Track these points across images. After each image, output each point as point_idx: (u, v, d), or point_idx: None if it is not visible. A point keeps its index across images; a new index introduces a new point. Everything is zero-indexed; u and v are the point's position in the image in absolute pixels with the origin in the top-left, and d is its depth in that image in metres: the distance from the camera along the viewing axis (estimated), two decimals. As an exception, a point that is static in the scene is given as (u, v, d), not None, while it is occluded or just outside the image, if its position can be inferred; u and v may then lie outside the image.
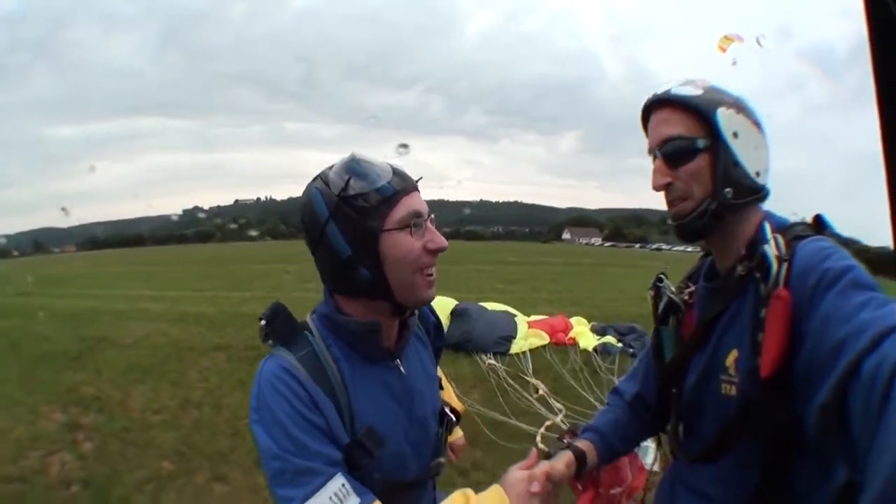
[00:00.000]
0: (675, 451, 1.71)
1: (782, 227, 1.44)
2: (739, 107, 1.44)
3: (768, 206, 1.54)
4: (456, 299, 11.05)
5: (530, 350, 9.34)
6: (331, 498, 1.26)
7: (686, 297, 1.68)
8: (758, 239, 1.40)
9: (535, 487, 1.38)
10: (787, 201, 1.53)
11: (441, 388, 1.89)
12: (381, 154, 1.47)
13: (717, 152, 1.42)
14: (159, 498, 4.94)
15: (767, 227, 1.40)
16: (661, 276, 1.79)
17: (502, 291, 19.21)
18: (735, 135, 1.41)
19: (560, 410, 6.54)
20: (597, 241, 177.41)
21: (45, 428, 6.61)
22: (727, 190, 1.42)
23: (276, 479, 1.29)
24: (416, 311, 1.67)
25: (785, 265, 1.29)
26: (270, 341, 1.47)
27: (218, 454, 5.74)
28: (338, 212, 1.36)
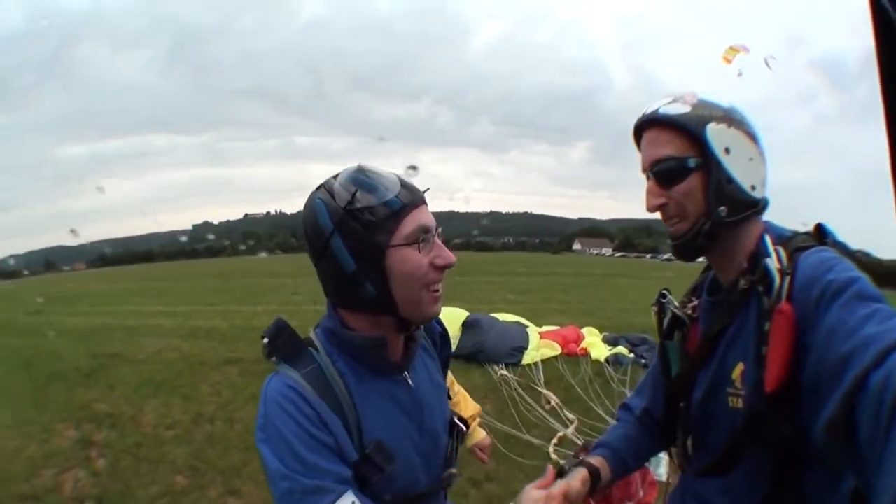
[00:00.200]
0: (684, 465, 1.71)
1: (783, 239, 1.44)
2: (731, 119, 1.42)
3: (775, 216, 1.53)
4: (467, 310, 11.03)
5: (542, 361, 9.30)
6: None
7: (690, 312, 1.67)
8: (759, 252, 1.40)
9: None
10: (797, 212, 1.51)
11: (450, 398, 1.87)
12: (390, 167, 1.44)
13: (710, 170, 1.41)
14: (172, 513, 4.90)
15: (768, 240, 1.40)
16: (665, 291, 1.77)
17: (513, 302, 19.14)
18: (727, 150, 1.40)
19: (572, 422, 6.52)
20: (607, 251, 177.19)
21: (59, 445, 6.60)
22: (721, 208, 1.41)
23: (284, 499, 1.28)
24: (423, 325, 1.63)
25: (787, 278, 1.29)
26: (274, 358, 1.44)
27: (231, 468, 5.73)
28: (343, 225, 1.32)
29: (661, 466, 2.19)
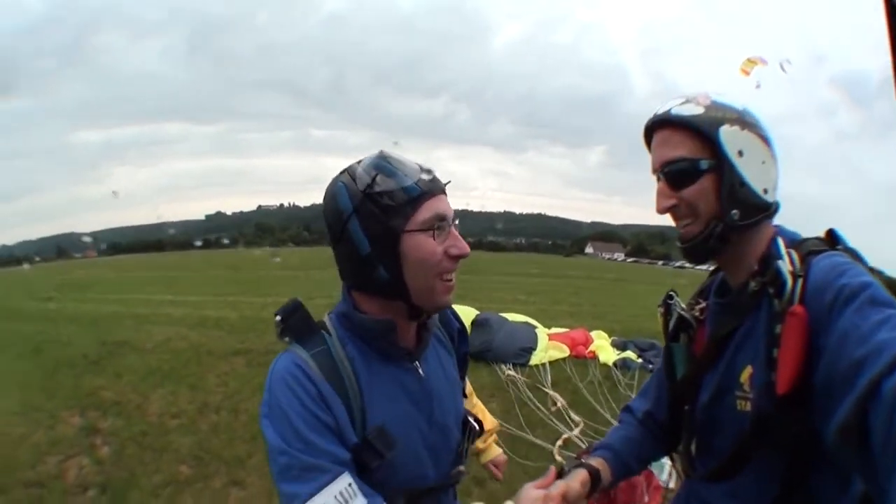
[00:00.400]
0: (688, 469, 1.69)
1: (795, 242, 1.41)
2: (744, 122, 1.41)
3: (789, 227, 1.51)
4: (477, 309, 11.06)
5: (550, 362, 9.30)
6: (336, 497, 1.25)
7: (697, 314, 1.65)
8: (770, 254, 1.38)
9: None
10: (808, 226, 1.49)
11: (465, 395, 1.86)
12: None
13: (722, 173, 1.39)
14: (176, 502, 4.96)
15: (781, 243, 1.38)
16: (672, 292, 1.76)
17: (524, 302, 19.17)
18: (740, 153, 1.38)
19: (577, 424, 6.51)
20: (620, 256, 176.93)
21: (64, 432, 6.64)
22: (734, 212, 1.39)
23: (282, 474, 1.29)
24: (437, 315, 1.65)
25: (800, 281, 1.27)
26: (286, 338, 1.45)
27: (235, 459, 5.75)
28: (362, 207, 1.34)
29: (664, 472, 2.16)
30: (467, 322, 9.77)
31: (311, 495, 1.25)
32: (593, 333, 11.03)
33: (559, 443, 5.98)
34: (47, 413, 7.23)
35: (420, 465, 1.51)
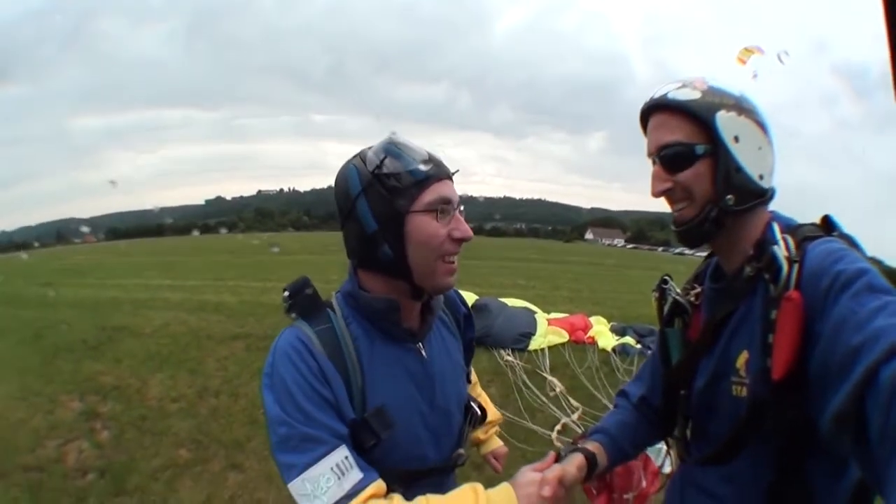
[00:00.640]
0: (683, 454, 1.72)
1: (790, 228, 1.42)
2: (741, 108, 1.41)
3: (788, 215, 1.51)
4: (477, 294, 11.10)
5: (549, 347, 9.30)
6: (332, 469, 1.28)
7: (692, 299, 1.67)
8: (766, 239, 1.38)
9: (547, 492, 1.36)
10: (813, 216, 1.49)
11: (469, 381, 1.90)
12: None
13: (718, 158, 1.39)
14: (175, 486, 4.96)
15: (776, 228, 1.38)
16: (666, 277, 1.77)
17: (524, 287, 19.12)
18: (736, 138, 1.38)
19: (576, 409, 6.52)
20: (620, 242, 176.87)
21: (63, 417, 6.65)
22: (729, 196, 1.40)
23: (280, 444, 1.32)
24: (441, 297, 1.68)
25: (795, 266, 1.28)
26: (293, 314, 1.49)
27: (234, 443, 5.77)
28: (370, 188, 1.40)
29: (660, 458, 2.17)
30: (466, 306, 9.80)
31: (308, 466, 1.27)
32: (592, 319, 11.01)
33: (557, 428, 5.99)
34: (47, 397, 7.24)
35: (419, 446, 1.55)
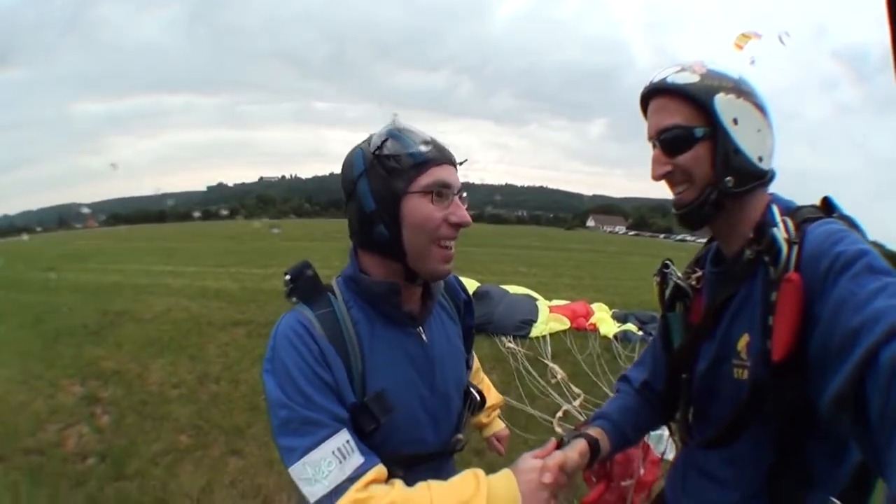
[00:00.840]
0: (685, 437, 1.71)
1: (790, 210, 1.42)
2: (740, 90, 1.41)
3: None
4: (478, 281, 11.20)
5: (550, 334, 9.32)
6: (334, 452, 1.29)
7: (693, 283, 1.67)
8: (765, 222, 1.39)
9: (548, 478, 1.36)
10: (814, 200, 1.48)
11: (469, 367, 1.88)
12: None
13: (717, 140, 1.40)
14: (175, 471, 4.96)
15: (776, 210, 1.39)
16: (667, 261, 1.77)
17: (525, 275, 19.13)
18: (735, 121, 1.39)
19: (577, 396, 6.52)
20: (621, 229, 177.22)
21: (64, 401, 6.68)
22: (728, 178, 1.40)
23: (281, 427, 1.33)
24: (441, 283, 1.68)
25: (795, 248, 1.28)
26: (294, 298, 1.50)
27: (234, 428, 5.77)
28: (371, 169, 1.42)
29: (663, 444, 2.16)
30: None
31: (309, 449, 1.28)
32: (594, 306, 11.05)
33: (559, 415, 5.99)
34: (47, 382, 7.27)
35: (419, 430, 1.55)
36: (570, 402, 6.34)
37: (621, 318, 10.38)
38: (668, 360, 1.74)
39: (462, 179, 1.51)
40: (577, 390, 6.72)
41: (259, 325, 10.04)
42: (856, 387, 1.00)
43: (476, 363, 2.11)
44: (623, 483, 1.98)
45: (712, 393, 1.54)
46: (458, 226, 1.46)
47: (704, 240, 1.76)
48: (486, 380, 2.28)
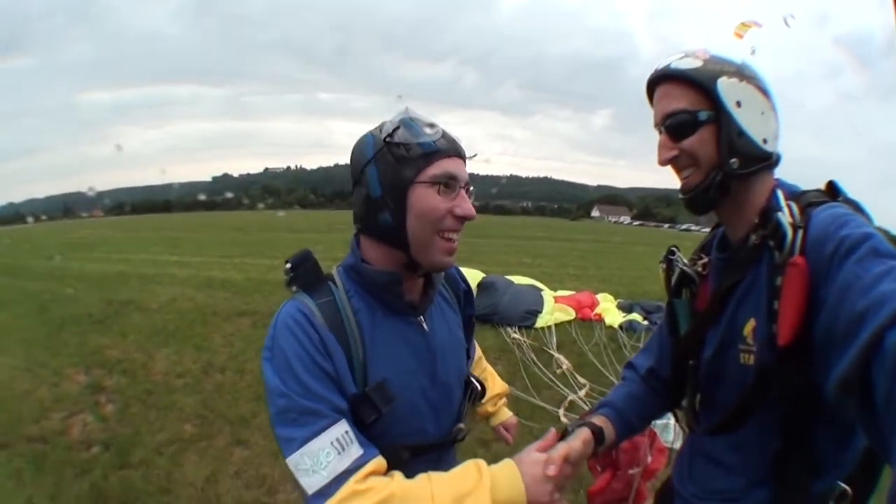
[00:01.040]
0: (692, 424, 1.72)
1: (795, 195, 1.42)
2: (743, 74, 1.42)
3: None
4: (483, 272, 11.13)
5: (555, 325, 9.32)
6: (332, 443, 1.27)
7: (699, 269, 1.68)
8: (770, 207, 1.39)
9: (552, 471, 1.35)
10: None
11: (469, 357, 1.88)
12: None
13: (721, 123, 1.40)
14: (180, 460, 4.97)
15: (780, 195, 1.39)
16: (673, 248, 1.78)
17: (530, 265, 19.21)
18: (738, 104, 1.39)
19: (583, 386, 6.52)
20: (626, 219, 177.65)
21: (68, 390, 6.70)
22: (732, 160, 1.40)
23: (279, 417, 1.32)
24: (443, 273, 1.67)
25: (800, 232, 1.28)
26: (294, 287, 1.49)
27: (239, 418, 5.77)
28: (380, 155, 1.41)
29: (669, 433, 2.15)
30: (473, 285, 9.79)
31: (308, 440, 1.26)
32: (599, 296, 11.06)
33: (564, 405, 5.99)
34: (52, 370, 7.31)
35: (420, 421, 1.54)
36: (575, 392, 6.33)
37: (626, 308, 10.38)
38: (674, 347, 1.74)
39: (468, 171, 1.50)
40: (582, 380, 6.72)
41: (264, 315, 10.02)
42: (861, 371, 0.99)
43: (478, 352, 2.12)
44: (630, 471, 1.98)
45: (718, 379, 1.55)
46: (462, 218, 1.46)
47: (708, 229, 1.76)
48: (490, 369, 2.27)
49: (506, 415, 2.32)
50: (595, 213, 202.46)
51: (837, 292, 1.12)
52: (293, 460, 1.27)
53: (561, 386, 6.63)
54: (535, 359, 7.52)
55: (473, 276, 10.19)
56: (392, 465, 1.36)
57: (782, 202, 1.35)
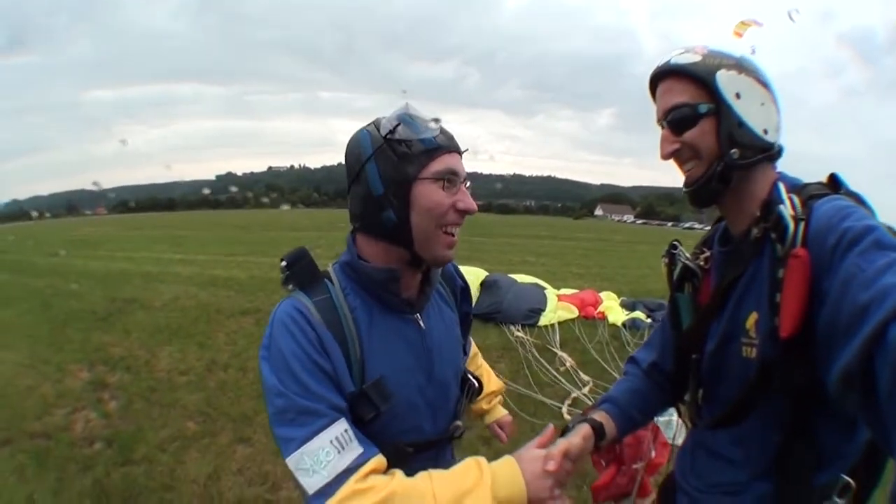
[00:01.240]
0: (694, 417, 1.72)
1: (797, 187, 1.42)
2: (741, 67, 1.43)
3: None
4: (486, 270, 11.13)
5: (559, 323, 9.31)
6: (332, 442, 1.26)
7: (702, 263, 1.68)
8: (772, 199, 1.39)
9: (552, 466, 1.35)
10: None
11: (465, 353, 1.88)
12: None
13: (721, 115, 1.42)
14: (182, 457, 4.97)
15: (782, 188, 1.39)
16: (675, 242, 1.78)
17: (533, 264, 19.18)
18: (738, 95, 1.41)
19: (586, 384, 6.52)
20: (629, 218, 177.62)
21: (72, 386, 6.72)
22: (733, 151, 1.41)
23: (277, 416, 1.31)
24: (440, 269, 1.69)
25: (802, 224, 1.28)
26: (290, 285, 1.49)
27: (242, 416, 5.78)
28: (380, 152, 1.40)
29: (671, 429, 2.15)
30: (476, 283, 9.87)
31: (307, 440, 1.26)
32: (602, 294, 11.06)
33: (568, 402, 5.99)
34: (55, 366, 7.34)
35: (417, 418, 1.55)
36: (578, 390, 6.33)
37: (629, 306, 10.37)
38: (677, 341, 1.74)
39: (470, 170, 1.52)
40: (585, 378, 6.72)
41: (267, 313, 9.83)
42: (864, 364, 0.99)
43: (474, 349, 2.13)
44: (634, 466, 1.98)
45: (721, 372, 1.55)
46: (464, 212, 1.46)
47: (709, 227, 1.76)
48: (485, 365, 2.27)
49: (500, 412, 2.33)
50: (598, 211, 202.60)
51: (840, 285, 1.12)
52: (293, 460, 1.26)
53: (565, 383, 6.62)
54: (538, 356, 7.51)
55: (477, 275, 10.24)
56: (391, 463, 1.35)
57: (784, 195, 1.35)
